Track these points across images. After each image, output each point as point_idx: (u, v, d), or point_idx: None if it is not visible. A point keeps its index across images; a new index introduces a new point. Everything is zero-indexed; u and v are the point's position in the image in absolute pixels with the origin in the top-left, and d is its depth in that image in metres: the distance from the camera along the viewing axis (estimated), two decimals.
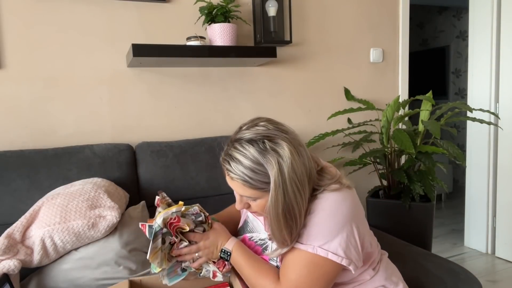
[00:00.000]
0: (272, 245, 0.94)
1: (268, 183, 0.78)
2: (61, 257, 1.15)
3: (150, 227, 0.90)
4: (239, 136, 0.82)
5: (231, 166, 0.80)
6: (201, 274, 1.01)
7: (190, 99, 1.83)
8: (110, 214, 1.16)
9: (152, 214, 1.44)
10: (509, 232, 2.47)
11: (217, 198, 1.60)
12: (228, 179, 0.84)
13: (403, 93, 2.35)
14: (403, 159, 2.17)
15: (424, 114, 1.91)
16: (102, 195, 1.22)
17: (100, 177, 1.39)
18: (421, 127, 1.87)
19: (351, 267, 0.84)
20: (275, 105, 2.01)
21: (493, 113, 1.80)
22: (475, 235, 2.68)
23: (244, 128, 0.84)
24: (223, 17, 1.67)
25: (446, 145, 1.77)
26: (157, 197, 0.96)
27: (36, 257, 1.09)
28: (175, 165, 1.55)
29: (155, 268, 0.91)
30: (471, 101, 2.62)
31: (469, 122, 2.66)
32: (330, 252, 0.82)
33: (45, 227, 1.11)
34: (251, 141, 0.79)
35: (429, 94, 1.87)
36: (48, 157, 1.40)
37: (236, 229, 1.09)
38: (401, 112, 2.12)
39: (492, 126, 2.51)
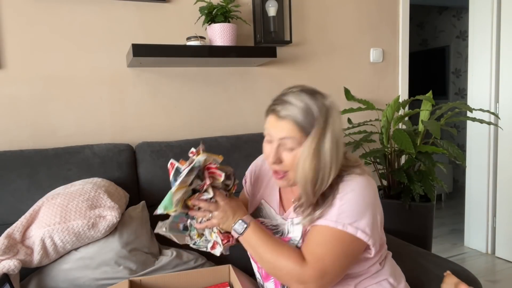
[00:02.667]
0: (289, 228, 0.93)
1: (313, 125, 0.84)
2: (61, 257, 1.15)
3: (178, 170, 0.87)
4: (290, 90, 0.89)
5: (282, 106, 0.85)
6: (197, 243, 0.97)
7: (190, 99, 1.83)
8: (110, 214, 1.16)
9: (152, 214, 1.44)
10: (509, 232, 2.47)
11: None
12: (272, 121, 0.87)
13: (403, 93, 2.35)
14: (403, 159, 2.17)
15: (424, 114, 1.91)
16: (102, 195, 1.22)
17: (100, 177, 1.39)
18: (421, 127, 1.87)
19: (373, 249, 0.87)
20: None
21: (493, 113, 1.80)
22: (475, 235, 2.68)
23: (291, 87, 0.90)
24: (223, 17, 1.67)
25: (446, 145, 1.77)
26: (193, 149, 0.92)
27: (36, 257, 1.09)
28: None
29: (166, 207, 0.85)
30: (471, 101, 2.62)
31: (469, 122, 2.66)
32: (360, 230, 0.83)
33: (45, 227, 1.11)
34: (306, 91, 0.87)
35: (429, 94, 1.87)
36: (48, 157, 1.39)
37: None
38: (401, 112, 2.12)
39: (492, 126, 2.51)
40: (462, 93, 4.34)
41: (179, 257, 1.26)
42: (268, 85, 1.99)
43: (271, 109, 0.87)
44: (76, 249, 1.16)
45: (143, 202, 1.39)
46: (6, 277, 0.97)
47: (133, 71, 1.72)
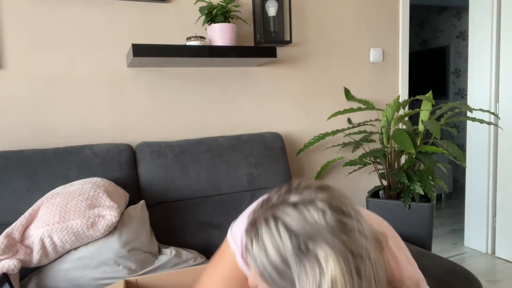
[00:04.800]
0: None
1: None
2: (60, 256, 1.15)
3: None
4: (280, 212, 0.57)
5: (252, 246, 0.58)
6: None
7: (190, 99, 1.83)
8: (109, 214, 1.16)
9: (151, 214, 1.44)
10: (509, 232, 2.47)
11: (217, 198, 1.60)
12: (245, 254, 0.61)
13: (403, 93, 2.35)
14: (403, 159, 2.17)
15: (424, 114, 1.91)
16: (101, 194, 1.22)
17: (100, 177, 1.39)
18: (421, 127, 1.87)
19: None
20: (275, 105, 2.01)
21: (493, 113, 1.80)
22: (475, 235, 2.68)
23: (292, 200, 0.57)
24: (223, 17, 1.67)
25: (446, 145, 1.77)
26: None
27: (36, 257, 1.09)
28: (175, 165, 1.55)
29: None
30: (471, 101, 2.62)
31: (469, 122, 2.66)
32: None
33: (44, 227, 1.11)
34: (290, 232, 0.54)
35: (429, 94, 1.87)
36: (48, 157, 1.40)
37: None
38: (401, 112, 2.12)
39: (492, 126, 2.51)
40: (462, 93, 4.34)
41: (178, 256, 1.26)
42: (268, 85, 1.99)
43: (246, 235, 0.60)
44: (75, 248, 1.16)
45: (142, 202, 1.39)
46: (5, 276, 0.98)
47: (133, 71, 1.72)
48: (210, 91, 1.87)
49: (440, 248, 2.74)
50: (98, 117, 1.67)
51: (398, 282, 0.65)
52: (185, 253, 1.29)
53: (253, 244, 0.58)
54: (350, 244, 0.53)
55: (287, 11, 1.95)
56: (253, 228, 0.59)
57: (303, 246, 0.53)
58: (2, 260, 1.03)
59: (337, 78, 2.17)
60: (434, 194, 1.77)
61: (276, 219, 0.56)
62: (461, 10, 4.21)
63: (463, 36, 4.23)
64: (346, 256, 0.52)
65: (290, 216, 0.55)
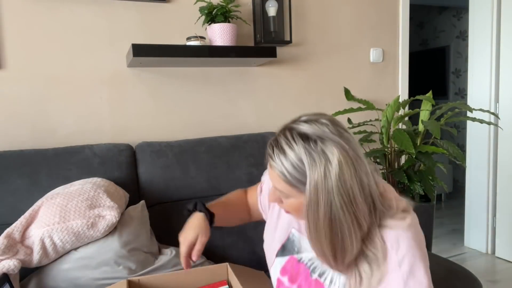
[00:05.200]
0: (321, 266, 0.83)
1: (303, 183, 0.71)
2: (60, 257, 1.15)
3: None
4: (295, 125, 0.75)
5: (274, 153, 0.74)
6: None
7: (190, 99, 1.83)
8: (109, 214, 1.16)
9: (151, 214, 1.44)
10: (509, 232, 2.47)
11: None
12: (268, 166, 0.78)
13: (403, 93, 2.35)
14: (403, 159, 2.17)
15: (424, 114, 1.91)
16: (101, 194, 1.22)
17: (100, 177, 1.39)
18: (421, 127, 1.87)
19: None
20: (275, 105, 2.01)
21: (493, 113, 1.80)
22: (475, 235, 2.68)
23: (303, 119, 0.76)
24: (223, 17, 1.67)
25: (446, 145, 1.77)
26: None
27: (36, 257, 1.09)
28: (175, 165, 1.55)
29: None
30: (471, 101, 2.62)
31: (469, 122, 2.66)
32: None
33: (44, 227, 1.11)
34: (303, 136, 0.72)
35: (429, 94, 1.87)
36: (48, 157, 1.40)
37: (246, 217, 1.12)
38: (401, 112, 2.12)
39: (492, 126, 2.51)
40: (462, 93, 4.34)
41: (178, 256, 1.26)
42: (268, 85, 1.99)
43: (268, 150, 0.77)
44: (75, 249, 1.16)
45: (142, 202, 1.39)
46: (5, 277, 0.98)
47: (133, 71, 1.72)
48: (210, 91, 1.87)
49: (440, 248, 2.74)
50: (98, 117, 1.67)
51: (389, 199, 0.79)
52: None
53: (274, 150, 0.74)
54: (347, 146, 0.70)
55: (287, 11, 1.95)
56: (273, 140, 0.76)
57: (312, 143, 0.70)
58: (2, 260, 1.03)
59: (337, 78, 2.17)
60: (434, 194, 1.77)
61: (291, 129, 0.74)
62: (461, 10, 4.21)
63: (463, 36, 4.23)
64: (347, 151, 0.70)
65: (302, 126, 0.74)
